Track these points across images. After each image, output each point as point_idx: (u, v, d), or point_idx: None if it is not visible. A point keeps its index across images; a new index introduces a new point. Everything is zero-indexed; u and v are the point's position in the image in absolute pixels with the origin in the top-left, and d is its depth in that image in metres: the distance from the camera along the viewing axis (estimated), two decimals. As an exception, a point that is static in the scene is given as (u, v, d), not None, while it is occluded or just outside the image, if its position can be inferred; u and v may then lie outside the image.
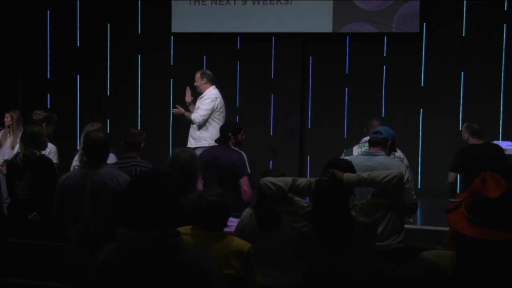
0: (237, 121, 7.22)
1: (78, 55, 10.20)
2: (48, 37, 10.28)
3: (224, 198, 3.54)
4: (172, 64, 9.90)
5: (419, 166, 8.99)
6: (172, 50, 9.92)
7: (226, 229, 3.66)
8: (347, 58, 9.30)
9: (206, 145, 7.28)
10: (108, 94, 10.13)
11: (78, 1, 10.17)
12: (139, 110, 9.99)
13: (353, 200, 3.60)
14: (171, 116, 9.77)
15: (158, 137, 9.61)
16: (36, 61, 10.25)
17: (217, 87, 7.70)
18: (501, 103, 8.77)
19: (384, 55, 9.17)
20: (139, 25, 9.98)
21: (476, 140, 6.77)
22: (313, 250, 3.61)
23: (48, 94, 10.29)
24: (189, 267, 2.37)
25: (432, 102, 8.94)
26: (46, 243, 5.08)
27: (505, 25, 8.71)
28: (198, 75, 7.64)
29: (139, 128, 9.22)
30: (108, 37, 10.09)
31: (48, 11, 10.25)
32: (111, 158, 5.23)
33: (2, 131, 7.54)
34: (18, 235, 5.21)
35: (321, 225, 3.49)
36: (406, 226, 4.74)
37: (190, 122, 7.63)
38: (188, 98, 7.75)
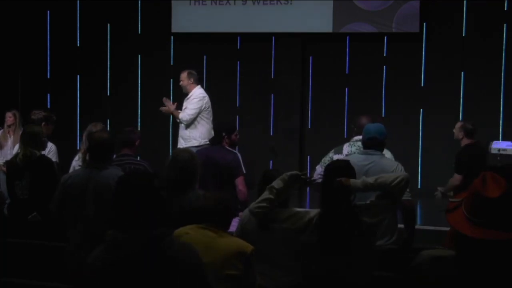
0: (231, 120, 7.22)
1: (78, 55, 10.20)
2: (48, 37, 10.28)
3: (228, 199, 3.57)
4: (172, 64, 9.90)
5: (419, 166, 8.99)
6: (172, 50, 9.92)
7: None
8: (347, 58, 9.30)
9: (196, 144, 7.32)
10: (108, 94, 10.13)
11: (78, 1, 10.17)
12: (139, 110, 9.99)
13: (353, 200, 3.61)
14: (171, 116, 9.76)
15: (158, 137, 9.62)
16: (36, 61, 10.25)
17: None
18: (501, 103, 8.77)
19: (384, 55, 9.18)
20: (139, 25, 9.98)
21: (471, 140, 6.77)
22: (313, 251, 3.62)
23: (48, 94, 10.29)
24: (180, 265, 2.39)
25: (432, 102, 8.94)
26: (46, 243, 5.07)
27: (505, 25, 8.71)
28: (184, 74, 7.62)
29: (139, 128, 9.23)
30: (108, 37, 10.10)
31: (48, 11, 10.26)
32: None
33: (1, 131, 7.53)
34: (18, 235, 5.20)
35: (330, 230, 3.51)
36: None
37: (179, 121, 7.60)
38: (171, 106, 7.66)
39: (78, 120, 10.16)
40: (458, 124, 7.09)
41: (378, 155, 4.57)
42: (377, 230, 3.76)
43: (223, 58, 9.68)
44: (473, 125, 6.84)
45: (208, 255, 3.14)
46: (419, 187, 8.83)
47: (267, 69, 9.58)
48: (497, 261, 2.24)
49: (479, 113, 8.56)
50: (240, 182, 5.63)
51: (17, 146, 6.14)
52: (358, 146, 5.08)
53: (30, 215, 5.40)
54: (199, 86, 7.67)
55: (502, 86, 8.76)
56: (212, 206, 3.48)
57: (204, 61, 9.75)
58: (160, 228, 2.43)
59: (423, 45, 9.01)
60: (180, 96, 9.64)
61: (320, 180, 3.97)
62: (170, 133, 9.80)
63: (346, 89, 9.33)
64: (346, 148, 5.71)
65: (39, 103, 8.97)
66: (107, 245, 2.45)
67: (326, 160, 5.27)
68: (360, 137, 4.98)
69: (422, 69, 9.04)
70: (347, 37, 9.23)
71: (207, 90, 9.79)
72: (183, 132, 7.59)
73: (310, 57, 9.45)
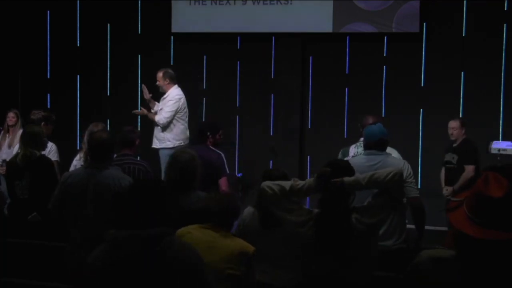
0: (216, 121, 7.18)
1: (78, 55, 10.20)
2: (48, 37, 10.28)
3: (232, 200, 3.57)
4: (172, 64, 9.90)
5: (419, 166, 8.98)
6: (172, 50, 9.92)
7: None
8: (347, 58, 9.30)
9: (171, 146, 7.32)
10: (108, 94, 10.13)
11: (78, 1, 10.17)
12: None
13: (353, 201, 3.60)
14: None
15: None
16: (36, 61, 10.25)
17: (179, 86, 7.69)
18: (501, 103, 8.76)
19: (384, 55, 9.17)
20: (139, 25, 9.98)
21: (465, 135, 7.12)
22: (314, 251, 3.62)
23: (48, 94, 10.29)
24: (180, 265, 2.39)
25: (432, 102, 8.93)
26: (46, 243, 5.07)
27: (505, 25, 8.71)
28: (160, 74, 7.57)
29: (139, 128, 9.22)
30: (108, 37, 10.09)
31: (48, 11, 10.25)
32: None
33: (1, 132, 7.53)
34: (18, 235, 5.20)
35: (326, 228, 3.50)
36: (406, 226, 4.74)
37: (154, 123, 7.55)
38: (147, 95, 7.66)
39: (78, 120, 10.15)
40: (457, 123, 7.15)
41: (383, 154, 4.58)
42: (378, 230, 3.75)
43: (223, 58, 9.68)
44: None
45: (210, 254, 3.15)
46: (419, 187, 8.81)
47: (267, 69, 9.58)
48: (498, 261, 2.24)
49: (479, 113, 8.56)
50: (223, 183, 5.63)
51: (17, 146, 6.14)
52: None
53: (30, 215, 5.41)
54: (175, 86, 7.59)
55: (502, 86, 8.76)
56: (215, 206, 3.49)
57: (204, 61, 9.75)
58: (161, 228, 2.43)
59: (423, 45, 9.01)
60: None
61: None
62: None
63: (346, 89, 9.33)
64: (352, 150, 5.72)
65: (39, 103, 8.97)
66: (107, 245, 2.45)
67: None
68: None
69: (422, 69, 9.04)
70: (347, 37, 9.23)
71: (207, 90, 9.84)
72: (158, 133, 7.52)
73: (310, 57, 9.44)
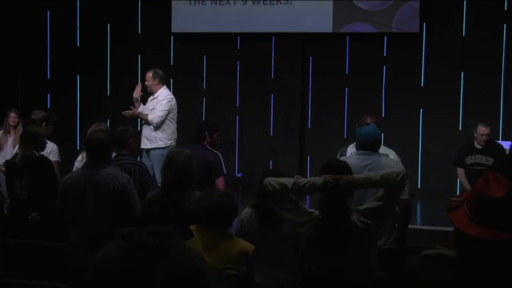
0: (214, 121, 7.13)
1: (78, 55, 10.20)
2: (48, 37, 10.29)
3: (230, 199, 3.56)
4: (172, 64, 9.90)
5: (419, 166, 8.99)
6: (172, 50, 9.92)
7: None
8: (347, 58, 9.30)
9: (163, 146, 7.27)
10: (108, 94, 10.13)
11: (78, 1, 10.17)
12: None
13: (351, 201, 3.61)
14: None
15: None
16: (36, 61, 10.25)
17: (168, 86, 7.67)
18: (501, 103, 8.77)
19: (384, 55, 9.18)
20: (139, 25, 9.98)
21: None
22: (313, 250, 3.62)
23: (48, 94, 10.29)
24: (185, 269, 2.38)
25: (432, 102, 8.94)
26: (46, 243, 5.07)
27: (505, 25, 8.71)
28: (150, 74, 7.50)
29: (139, 128, 9.21)
30: (108, 37, 10.10)
31: (48, 11, 10.26)
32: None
33: (0, 131, 7.52)
34: (18, 235, 5.20)
35: (327, 227, 3.50)
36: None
37: (146, 122, 7.46)
38: (137, 93, 7.56)
39: (78, 120, 10.16)
40: (488, 129, 7.07)
41: (377, 154, 4.58)
42: (378, 230, 3.76)
43: (223, 58, 9.68)
44: None
45: (209, 255, 3.14)
46: (419, 187, 8.83)
47: (267, 69, 9.58)
48: (498, 261, 2.24)
49: (479, 113, 8.56)
50: (220, 183, 5.61)
51: (17, 146, 6.13)
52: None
53: (30, 216, 5.40)
54: (164, 86, 7.53)
55: (502, 86, 8.76)
56: (213, 206, 3.47)
57: (204, 61, 9.76)
58: (161, 227, 2.43)
59: (423, 45, 9.02)
60: (180, 97, 9.64)
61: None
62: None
63: (346, 89, 9.34)
64: (350, 149, 5.71)
65: (39, 103, 8.97)
66: (116, 244, 2.44)
67: None
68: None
69: (422, 69, 9.04)
70: (347, 37, 9.23)
71: (207, 90, 9.84)
72: (149, 133, 7.41)
73: (310, 57, 9.45)
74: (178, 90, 9.87)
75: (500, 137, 8.53)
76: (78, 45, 10.24)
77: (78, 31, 10.21)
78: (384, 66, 9.17)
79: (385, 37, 9.11)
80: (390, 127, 8.10)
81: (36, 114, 6.74)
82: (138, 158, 7.21)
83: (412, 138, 9.01)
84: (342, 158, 4.93)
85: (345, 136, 9.07)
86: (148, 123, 7.38)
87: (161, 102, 7.39)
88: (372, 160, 4.50)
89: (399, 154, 5.38)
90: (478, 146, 7.15)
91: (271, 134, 9.65)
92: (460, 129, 8.89)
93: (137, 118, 7.62)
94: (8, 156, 6.75)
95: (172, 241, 2.40)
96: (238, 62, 9.70)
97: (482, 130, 7.11)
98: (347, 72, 9.34)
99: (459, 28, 8.88)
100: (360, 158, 4.54)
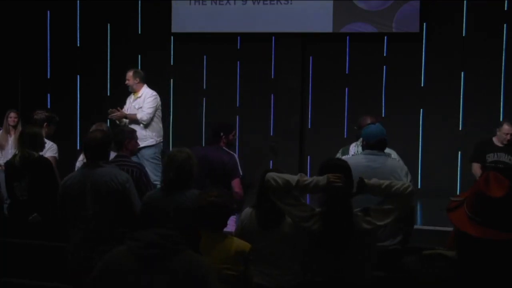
0: (230, 121, 7.10)
1: (78, 55, 10.20)
2: (48, 37, 10.28)
3: (225, 198, 3.55)
4: (172, 64, 9.90)
5: (419, 166, 8.99)
6: (172, 50, 9.92)
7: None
8: (347, 58, 9.30)
9: (153, 143, 7.42)
10: (108, 94, 10.13)
11: (78, 1, 10.17)
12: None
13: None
14: (171, 115, 9.78)
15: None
16: (36, 61, 10.25)
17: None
18: (501, 103, 8.76)
19: (384, 55, 9.17)
20: (139, 25, 9.98)
21: None
22: (314, 250, 3.62)
23: (48, 94, 10.29)
24: (191, 274, 2.38)
25: (432, 102, 8.94)
26: (46, 243, 5.07)
27: (505, 25, 8.71)
28: (130, 74, 7.56)
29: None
30: (108, 37, 10.09)
31: (48, 11, 10.25)
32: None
33: (1, 132, 7.52)
34: (18, 236, 5.20)
35: (332, 225, 3.51)
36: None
37: (135, 122, 7.42)
38: (121, 115, 7.46)
39: (78, 120, 10.16)
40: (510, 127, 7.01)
41: (383, 155, 4.57)
42: (378, 232, 3.76)
43: (223, 58, 9.68)
44: None
45: (206, 256, 3.14)
46: (419, 187, 8.82)
47: (267, 69, 9.58)
48: (498, 261, 2.24)
49: (479, 113, 8.56)
50: (236, 184, 5.56)
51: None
52: None
53: (31, 216, 5.40)
54: (146, 85, 7.60)
55: (502, 86, 8.76)
56: (207, 206, 3.46)
57: (204, 61, 9.75)
58: (162, 228, 2.43)
59: (423, 45, 9.01)
60: (180, 97, 9.68)
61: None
62: (170, 133, 9.80)
63: (346, 89, 9.33)
64: (353, 148, 5.69)
65: (39, 103, 8.97)
66: (126, 246, 2.44)
67: None
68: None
69: (422, 69, 9.04)
70: (347, 37, 9.23)
71: (207, 90, 9.83)
72: (139, 132, 7.40)
73: (310, 57, 9.44)
74: (178, 90, 9.89)
75: (500, 137, 8.52)
76: (78, 45, 10.23)
77: (78, 31, 10.21)
78: (384, 66, 9.17)
79: (385, 37, 9.10)
80: (390, 127, 8.05)
81: (39, 114, 6.71)
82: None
83: (412, 138, 9.00)
84: (346, 157, 4.93)
85: (345, 136, 9.07)
86: (135, 122, 7.37)
87: (147, 100, 7.48)
88: (379, 162, 4.47)
89: (399, 154, 5.39)
90: (500, 144, 7.03)
91: (271, 134, 9.64)
92: (460, 129, 8.89)
93: (125, 119, 7.57)
94: (9, 156, 6.75)
95: (180, 246, 2.40)
96: (238, 62, 9.70)
97: (506, 129, 6.98)
98: (347, 72, 9.34)
99: (459, 28, 8.87)
100: (367, 158, 4.53)
